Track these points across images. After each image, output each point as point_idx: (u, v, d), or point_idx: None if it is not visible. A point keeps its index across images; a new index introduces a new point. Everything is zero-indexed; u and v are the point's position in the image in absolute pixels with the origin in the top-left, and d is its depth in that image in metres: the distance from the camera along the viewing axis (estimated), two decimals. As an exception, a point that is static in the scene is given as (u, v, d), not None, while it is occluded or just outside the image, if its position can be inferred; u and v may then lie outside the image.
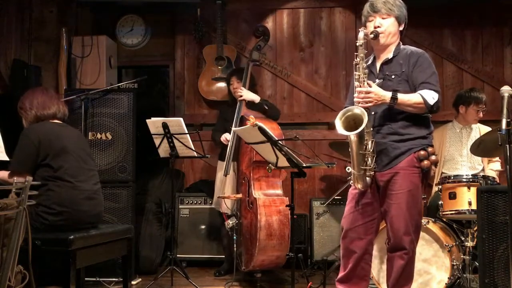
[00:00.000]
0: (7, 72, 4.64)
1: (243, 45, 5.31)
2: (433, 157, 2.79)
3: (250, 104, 4.31)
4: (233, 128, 3.73)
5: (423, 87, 2.74)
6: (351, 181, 2.87)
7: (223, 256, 4.56)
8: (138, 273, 4.27)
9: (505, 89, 2.60)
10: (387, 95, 2.68)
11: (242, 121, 4.16)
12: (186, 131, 3.98)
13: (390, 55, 2.86)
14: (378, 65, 2.90)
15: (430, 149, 2.79)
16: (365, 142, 2.70)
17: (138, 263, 4.38)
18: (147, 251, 4.49)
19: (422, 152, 2.77)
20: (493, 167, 4.18)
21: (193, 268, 4.60)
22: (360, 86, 2.73)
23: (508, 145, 2.43)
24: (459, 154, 4.17)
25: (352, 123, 2.67)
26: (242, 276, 4.19)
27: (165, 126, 3.94)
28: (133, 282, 4.06)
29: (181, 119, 4.00)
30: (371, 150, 2.71)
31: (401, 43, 2.91)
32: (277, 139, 3.20)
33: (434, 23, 5.19)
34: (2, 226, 2.00)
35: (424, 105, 2.70)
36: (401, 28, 2.89)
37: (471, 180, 3.53)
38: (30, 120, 3.12)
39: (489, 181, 3.55)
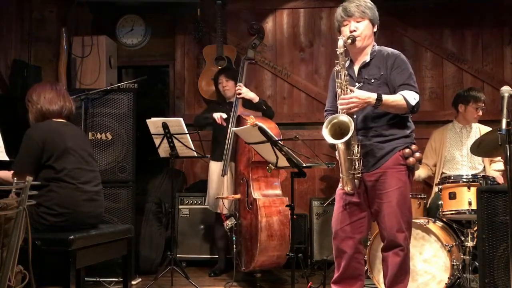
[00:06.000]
0: (7, 72, 4.65)
1: (243, 45, 5.30)
2: (417, 154, 2.85)
3: (247, 103, 4.26)
4: (232, 128, 3.72)
5: (403, 88, 2.79)
6: (340, 184, 2.92)
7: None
8: (138, 273, 4.27)
9: (505, 89, 2.61)
10: (372, 96, 2.72)
11: (239, 120, 4.15)
12: (186, 131, 3.99)
13: (367, 58, 2.90)
14: (356, 68, 2.94)
15: (413, 147, 2.86)
16: (352, 147, 2.75)
17: (138, 263, 4.38)
18: (147, 251, 4.49)
19: (406, 150, 2.84)
20: (495, 167, 4.18)
21: (193, 268, 4.60)
22: (342, 93, 2.77)
23: (508, 145, 2.42)
24: (460, 154, 4.17)
25: (338, 130, 2.72)
26: (241, 276, 4.18)
27: (165, 126, 3.94)
28: (133, 282, 4.06)
29: (181, 119, 4.00)
30: (358, 155, 2.76)
31: (376, 44, 2.95)
32: (277, 139, 3.20)
33: (434, 23, 5.19)
34: (2, 226, 2.00)
35: (406, 106, 2.75)
36: (374, 30, 2.94)
37: (471, 180, 3.54)
38: (35, 115, 3.09)
39: (489, 181, 3.55)
